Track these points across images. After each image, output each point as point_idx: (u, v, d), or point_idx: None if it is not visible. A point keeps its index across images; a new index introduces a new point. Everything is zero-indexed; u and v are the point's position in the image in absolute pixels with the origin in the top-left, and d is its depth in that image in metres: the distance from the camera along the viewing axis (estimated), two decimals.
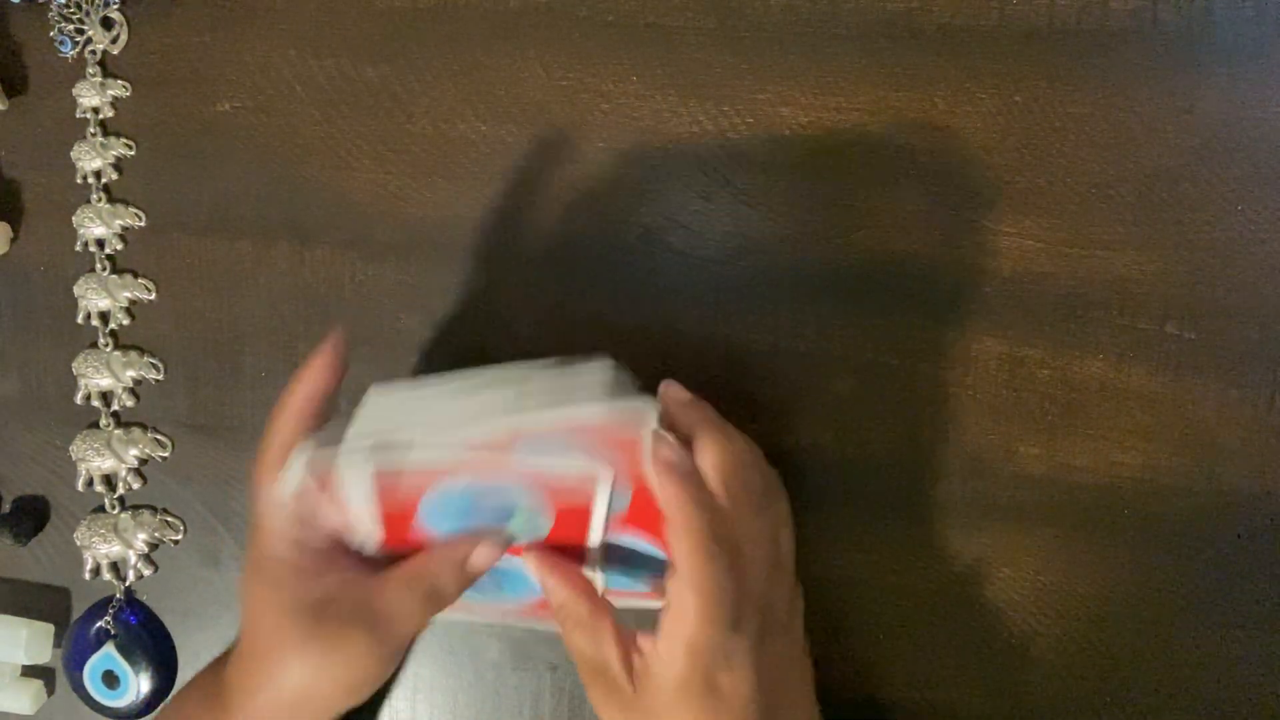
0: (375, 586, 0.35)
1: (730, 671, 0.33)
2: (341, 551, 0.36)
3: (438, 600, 0.35)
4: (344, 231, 0.44)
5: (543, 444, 0.34)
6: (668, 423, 0.35)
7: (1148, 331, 0.39)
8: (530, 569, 0.35)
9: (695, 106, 0.41)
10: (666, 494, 0.33)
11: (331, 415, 0.37)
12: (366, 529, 0.35)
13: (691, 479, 0.34)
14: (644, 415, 0.34)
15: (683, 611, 0.33)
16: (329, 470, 0.34)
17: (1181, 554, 0.39)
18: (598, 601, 0.35)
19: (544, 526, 0.35)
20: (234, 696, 0.37)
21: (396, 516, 0.35)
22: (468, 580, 0.36)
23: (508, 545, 0.36)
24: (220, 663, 0.40)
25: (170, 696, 0.44)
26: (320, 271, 0.45)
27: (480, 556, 0.35)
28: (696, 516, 0.33)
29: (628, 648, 0.35)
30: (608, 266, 0.42)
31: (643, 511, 0.35)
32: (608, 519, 0.35)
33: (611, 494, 0.34)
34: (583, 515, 0.35)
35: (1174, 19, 0.37)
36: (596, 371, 0.36)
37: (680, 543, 0.33)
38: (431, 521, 0.35)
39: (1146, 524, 0.39)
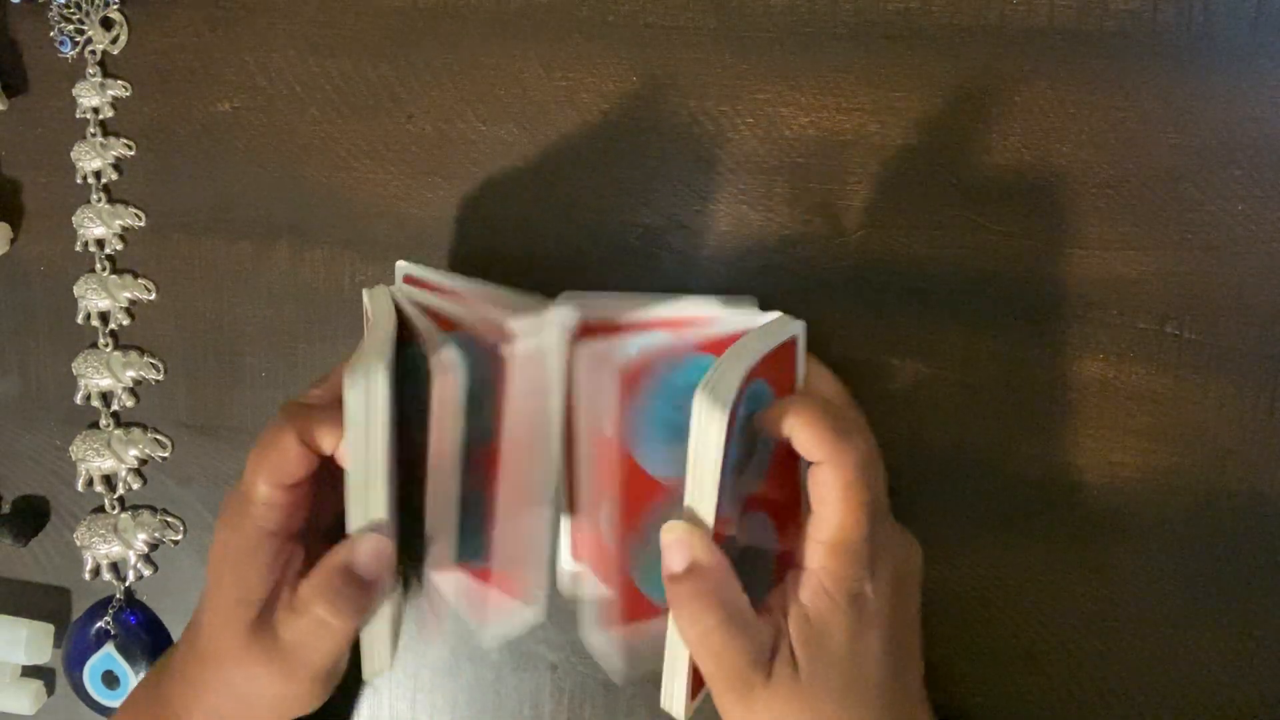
0: (283, 608, 0.32)
1: (871, 582, 0.32)
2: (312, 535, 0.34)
3: (338, 618, 0.31)
4: (343, 231, 0.44)
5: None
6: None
7: (1148, 331, 0.39)
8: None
9: (695, 106, 0.41)
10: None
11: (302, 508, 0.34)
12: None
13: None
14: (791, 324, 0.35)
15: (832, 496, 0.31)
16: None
17: (1182, 554, 0.39)
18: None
19: (765, 392, 0.34)
20: (176, 709, 0.36)
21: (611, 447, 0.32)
22: (363, 585, 0.31)
23: (386, 532, 0.31)
24: (152, 682, 0.39)
25: None
26: (320, 271, 0.45)
27: (362, 554, 0.31)
28: (826, 406, 0.33)
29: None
30: (608, 266, 0.42)
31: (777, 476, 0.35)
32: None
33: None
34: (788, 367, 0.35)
35: (1174, 19, 0.37)
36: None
37: (816, 424, 0.31)
38: (648, 447, 0.32)
39: (1146, 524, 0.39)
